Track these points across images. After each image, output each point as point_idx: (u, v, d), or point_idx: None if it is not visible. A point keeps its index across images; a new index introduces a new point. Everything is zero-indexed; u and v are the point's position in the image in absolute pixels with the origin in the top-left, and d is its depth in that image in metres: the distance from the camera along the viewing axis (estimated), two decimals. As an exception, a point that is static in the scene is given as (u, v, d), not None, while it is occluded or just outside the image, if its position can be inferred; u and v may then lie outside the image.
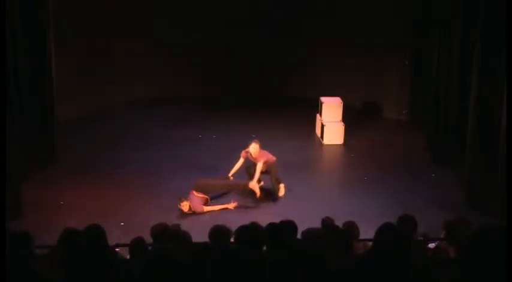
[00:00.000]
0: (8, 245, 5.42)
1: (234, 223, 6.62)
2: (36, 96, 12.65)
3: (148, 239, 7.54)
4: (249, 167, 12.06)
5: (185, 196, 11.38)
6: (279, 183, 12.10)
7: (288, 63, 17.10)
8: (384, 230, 6.13)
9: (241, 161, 11.99)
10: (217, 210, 11.49)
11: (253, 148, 11.84)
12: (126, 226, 10.55)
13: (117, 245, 7.32)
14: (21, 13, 11.74)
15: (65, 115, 14.29)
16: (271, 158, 12.00)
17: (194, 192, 11.47)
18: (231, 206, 11.50)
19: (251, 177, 11.84)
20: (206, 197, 11.60)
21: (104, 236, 6.27)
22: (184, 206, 11.26)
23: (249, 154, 11.90)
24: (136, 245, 7.23)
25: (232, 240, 6.27)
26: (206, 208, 11.46)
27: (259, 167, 11.74)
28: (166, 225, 7.87)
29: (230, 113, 16.13)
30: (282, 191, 12.05)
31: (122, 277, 5.58)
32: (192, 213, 11.31)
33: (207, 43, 16.92)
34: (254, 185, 11.68)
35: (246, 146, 11.97)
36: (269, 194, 11.98)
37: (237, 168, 12.00)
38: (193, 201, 11.36)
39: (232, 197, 11.77)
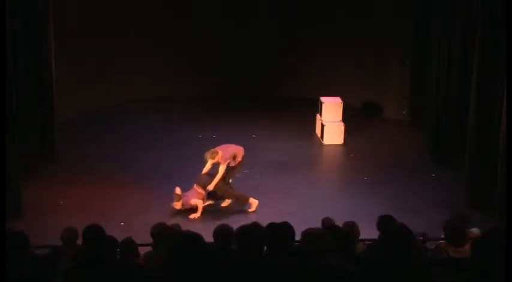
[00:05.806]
0: (8, 245, 5.42)
1: (234, 223, 6.61)
2: (36, 96, 12.65)
3: (149, 239, 7.56)
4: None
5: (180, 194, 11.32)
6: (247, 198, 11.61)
7: (288, 63, 17.09)
8: (385, 221, 6.13)
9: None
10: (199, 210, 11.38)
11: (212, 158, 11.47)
12: (126, 226, 10.55)
13: (117, 245, 7.32)
14: (21, 13, 11.74)
15: (65, 115, 14.29)
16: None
17: (195, 185, 11.40)
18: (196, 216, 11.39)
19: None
20: (204, 193, 11.47)
21: (103, 236, 6.28)
22: (177, 197, 11.19)
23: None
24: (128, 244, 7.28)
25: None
26: (197, 201, 11.34)
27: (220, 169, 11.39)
28: (166, 225, 7.88)
29: (230, 113, 16.11)
30: (253, 207, 11.57)
31: (122, 278, 5.58)
32: (183, 209, 11.28)
33: (207, 43, 16.92)
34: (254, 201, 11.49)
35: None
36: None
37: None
38: (190, 195, 11.31)
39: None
